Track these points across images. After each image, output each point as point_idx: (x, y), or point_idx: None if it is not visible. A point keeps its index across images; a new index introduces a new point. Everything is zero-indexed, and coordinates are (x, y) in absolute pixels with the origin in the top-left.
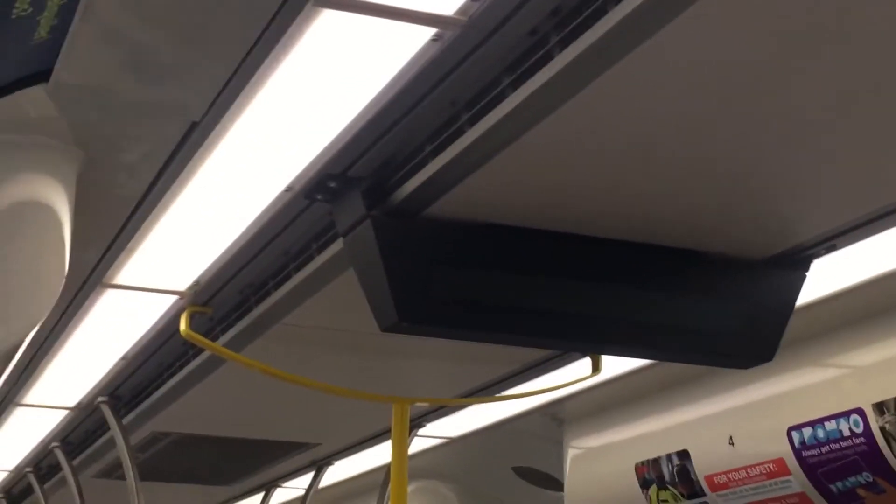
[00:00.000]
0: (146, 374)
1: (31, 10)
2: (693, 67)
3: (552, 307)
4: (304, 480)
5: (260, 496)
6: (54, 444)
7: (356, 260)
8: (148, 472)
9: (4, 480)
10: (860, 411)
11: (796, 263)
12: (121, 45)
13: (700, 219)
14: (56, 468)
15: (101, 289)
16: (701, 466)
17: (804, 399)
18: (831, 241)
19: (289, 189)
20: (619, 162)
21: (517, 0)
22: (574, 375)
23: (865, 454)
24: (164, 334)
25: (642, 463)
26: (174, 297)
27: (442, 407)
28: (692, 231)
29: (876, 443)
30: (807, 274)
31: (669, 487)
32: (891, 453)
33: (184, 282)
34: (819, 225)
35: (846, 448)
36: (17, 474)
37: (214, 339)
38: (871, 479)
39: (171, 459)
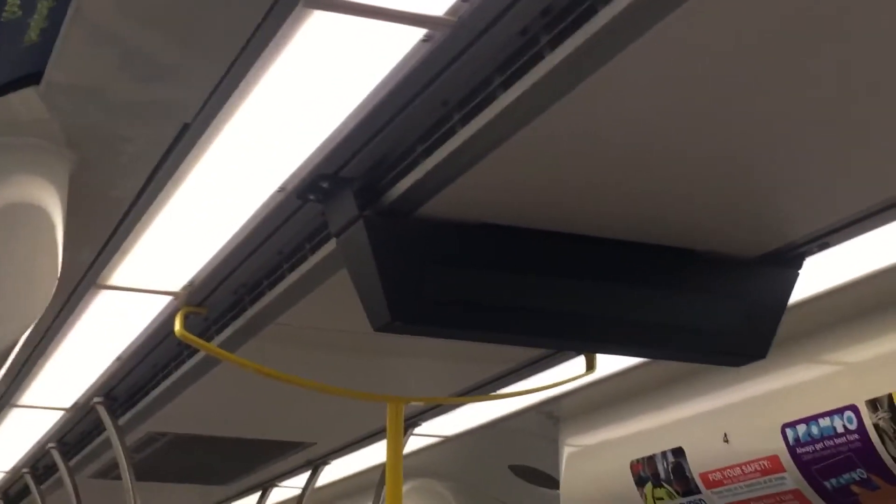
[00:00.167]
0: (141, 375)
1: (20, 13)
2: (683, 67)
3: (545, 306)
4: (300, 480)
5: (256, 496)
6: (51, 444)
7: (349, 260)
8: (144, 473)
9: (1, 481)
10: (854, 408)
11: (789, 261)
12: (112, 46)
13: (693, 217)
14: (52, 469)
15: (95, 290)
16: (696, 464)
17: (798, 396)
18: (824, 239)
19: (282, 189)
20: (611, 161)
21: (507, 0)
22: (569, 374)
23: (859, 451)
24: (159, 335)
25: (637, 460)
26: (168, 298)
27: (437, 406)
28: (685, 229)
29: (870, 439)
30: (800, 272)
31: (664, 485)
32: (885, 450)
33: (178, 282)
34: (812, 223)
35: (840, 445)
36: (14, 475)
37: (209, 339)
38: (865, 476)
39: (167, 459)
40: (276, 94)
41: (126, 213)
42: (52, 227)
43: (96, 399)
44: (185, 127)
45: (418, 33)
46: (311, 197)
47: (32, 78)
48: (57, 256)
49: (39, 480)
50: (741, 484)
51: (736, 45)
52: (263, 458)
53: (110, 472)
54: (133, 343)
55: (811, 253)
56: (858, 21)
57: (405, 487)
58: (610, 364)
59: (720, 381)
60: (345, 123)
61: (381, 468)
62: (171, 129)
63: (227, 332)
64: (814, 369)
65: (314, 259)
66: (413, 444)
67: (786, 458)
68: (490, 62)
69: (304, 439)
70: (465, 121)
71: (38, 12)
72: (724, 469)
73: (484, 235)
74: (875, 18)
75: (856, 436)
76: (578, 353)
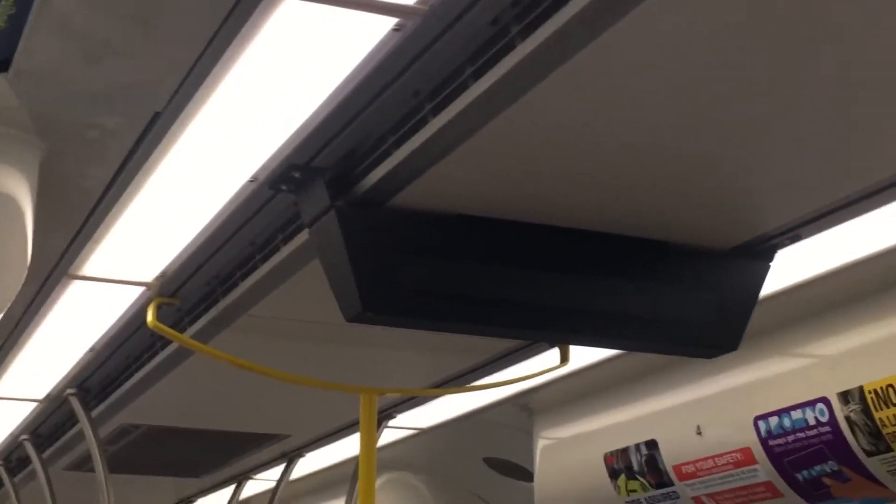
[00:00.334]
0: (114, 366)
1: None
2: (655, 58)
3: (517, 297)
4: (275, 473)
5: (231, 488)
6: (24, 436)
7: (321, 250)
8: (118, 465)
9: None
10: (825, 400)
11: (761, 253)
12: (80, 33)
13: (664, 208)
14: (26, 461)
15: (67, 280)
16: (669, 456)
17: (771, 389)
18: (795, 231)
19: (253, 179)
20: (584, 152)
21: None
22: (543, 366)
23: (831, 443)
24: (132, 326)
25: (611, 453)
26: (141, 289)
27: (412, 398)
28: (657, 221)
29: (841, 432)
30: (771, 264)
31: (638, 477)
32: (855, 442)
33: (150, 273)
34: (783, 215)
35: (812, 437)
36: None
37: (182, 330)
38: (836, 468)
39: (141, 452)
40: (248, 83)
41: (97, 203)
42: (21, 216)
43: (69, 390)
44: (157, 115)
45: (389, 22)
46: (283, 187)
47: (0, 65)
48: (26, 245)
49: (12, 473)
50: (714, 476)
51: (708, 35)
52: (238, 450)
53: (84, 464)
54: (106, 334)
55: (783, 245)
56: (833, 13)
57: (380, 480)
58: (584, 356)
59: (693, 374)
60: (316, 113)
61: (356, 461)
62: (142, 117)
63: (200, 323)
64: (786, 362)
65: (287, 250)
66: (388, 436)
67: (758, 451)
68: (461, 52)
69: (279, 431)
70: (437, 111)
71: None
72: (697, 461)
73: (457, 226)
74: (850, 10)
75: (827, 428)
76: (552, 345)
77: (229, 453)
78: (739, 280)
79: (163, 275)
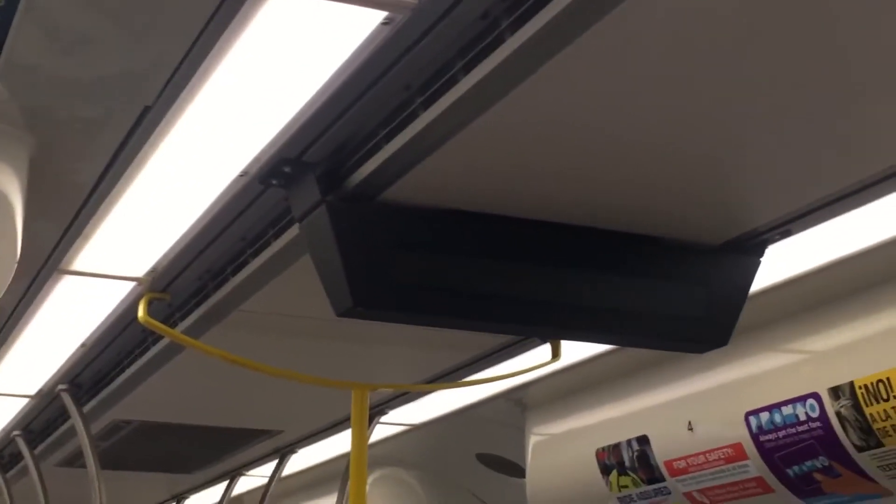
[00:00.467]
0: (106, 362)
1: None
2: (646, 51)
3: (508, 292)
4: (267, 469)
5: (224, 485)
6: (16, 432)
7: (312, 245)
8: (110, 461)
9: None
10: (816, 396)
11: (751, 249)
12: (68, 28)
13: (655, 204)
14: (18, 457)
15: (57, 275)
16: (660, 452)
17: (761, 384)
18: (786, 227)
19: (244, 174)
20: (574, 146)
21: None
22: (535, 361)
23: (821, 438)
24: (123, 321)
25: (603, 449)
26: (132, 284)
27: (404, 393)
28: (647, 216)
29: (832, 427)
30: (761, 259)
31: (629, 473)
32: (846, 437)
33: (141, 268)
34: (773, 210)
35: (802, 432)
36: None
37: (173, 325)
38: (827, 464)
39: (132, 448)
40: (237, 77)
41: (87, 198)
42: (10, 211)
43: (61, 386)
44: (146, 110)
45: (378, 16)
46: (274, 182)
47: None
48: (16, 240)
49: (4, 469)
50: (705, 471)
51: (699, 29)
52: (230, 446)
53: (76, 460)
54: (97, 329)
55: (773, 240)
56: (822, 11)
57: (372, 476)
58: (576, 352)
59: (684, 370)
60: (306, 107)
61: (349, 457)
62: (131, 112)
63: (192, 318)
64: (777, 357)
65: (277, 245)
66: (380, 432)
67: (749, 446)
68: (451, 46)
69: (271, 427)
70: (427, 105)
71: None
72: (689, 457)
73: (447, 221)
74: (840, 8)
75: (818, 423)
76: (543, 341)
77: (221, 449)
78: (730, 275)
79: (153, 270)
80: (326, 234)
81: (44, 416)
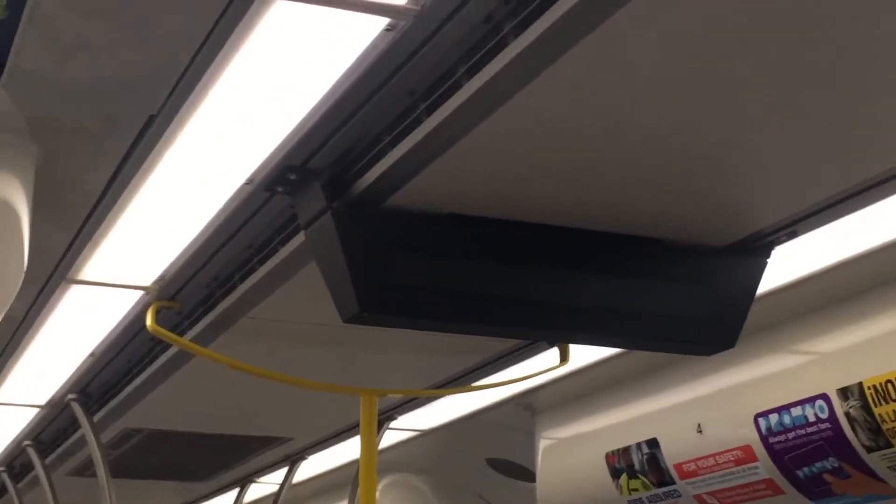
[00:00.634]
0: (115, 371)
1: None
2: (650, 53)
3: (514, 296)
4: (278, 475)
5: (235, 492)
6: (26, 442)
7: (318, 252)
8: (121, 470)
9: None
10: (825, 397)
11: (757, 250)
12: (73, 37)
13: (661, 206)
14: (29, 467)
15: (66, 285)
16: (670, 454)
17: (770, 386)
18: (791, 228)
19: (249, 182)
20: (579, 149)
21: None
22: (544, 365)
23: (831, 439)
24: (132, 330)
25: (613, 452)
26: (140, 293)
27: (413, 399)
28: (653, 218)
29: (841, 428)
30: (768, 260)
31: (639, 476)
32: (855, 438)
33: (149, 277)
34: (779, 211)
35: (812, 434)
36: None
37: (182, 333)
38: (836, 465)
39: (143, 456)
40: (241, 85)
41: (94, 208)
42: (17, 221)
43: (71, 396)
44: (151, 119)
45: (381, 22)
46: (279, 189)
47: None
48: (23, 250)
49: (16, 479)
50: (715, 474)
51: (702, 31)
52: (240, 453)
53: (87, 469)
54: (106, 338)
55: (779, 242)
56: (827, 10)
57: (383, 482)
58: (584, 356)
59: (693, 373)
60: (311, 114)
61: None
62: (136, 121)
63: (200, 326)
64: (785, 359)
65: (284, 252)
66: (390, 438)
67: (758, 448)
68: (454, 50)
69: (281, 434)
70: (431, 110)
71: None
72: (698, 459)
73: (453, 226)
74: (844, 7)
75: (827, 424)
76: (551, 345)
77: (232, 457)
78: (736, 277)
79: (161, 278)
80: (332, 241)
81: (54, 426)
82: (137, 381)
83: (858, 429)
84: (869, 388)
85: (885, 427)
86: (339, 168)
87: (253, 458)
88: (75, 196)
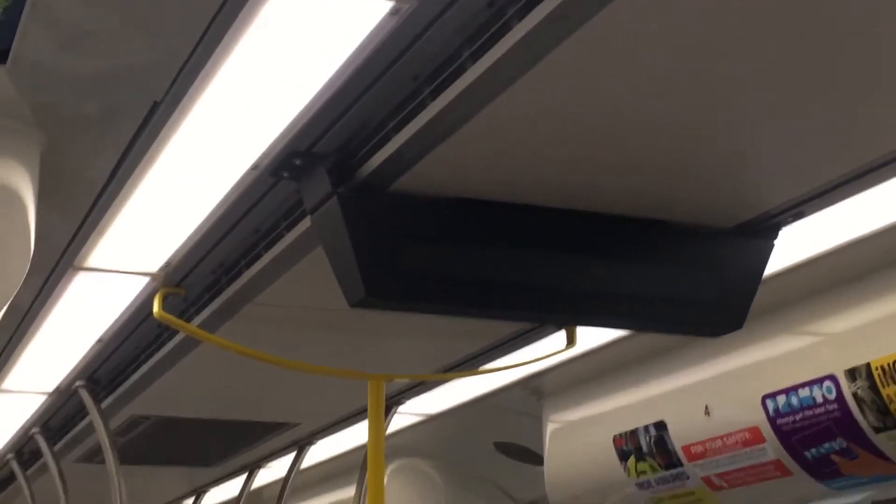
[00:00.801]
0: (123, 357)
1: None
2: (654, 34)
3: (521, 280)
4: (286, 461)
5: (243, 477)
6: (35, 430)
7: (324, 237)
8: (129, 456)
9: None
10: (833, 378)
11: (764, 231)
12: (77, 24)
13: (667, 188)
14: (37, 454)
15: (72, 272)
16: (678, 437)
17: (778, 367)
18: (798, 209)
19: (255, 167)
20: (584, 132)
21: None
22: (552, 349)
23: (838, 420)
24: (139, 316)
25: (620, 435)
26: (146, 279)
27: (420, 383)
28: (659, 200)
29: (849, 409)
30: (775, 242)
31: (647, 458)
32: (863, 419)
33: (155, 263)
34: (785, 192)
35: (819, 415)
36: (0, 461)
37: (188, 319)
38: (844, 445)
39: (151, 442)
40: (245, 70)
41: (100, 194)
42: (23, 209)
43: (78, 383)
44: (156, 105)
45: (385, 6)
46: (285, 174)
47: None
48: (29, 237)
49: (25, 466)
50: (723, 456)
51: (709, 11)
52: (248, 439)
53: (95, 456)
54: (113, 325)
55: (786, 223)
56: None
57: (391, 467)
58: (591, 338)
59: (701, 354)
60: (316, 99)
61: (366, 448)
62: (141, 107)
63: (206, 312)
64: (792, 340)
65: (290, 237)
66: (398, 422)
67: (766, 429)
68: (458, 35)
69: (288, 420)
70: (436, 94)
71: None
72: (706, 441)
73: (459, 210)
74: None
75: (835, 405)
76: (558, 328)
77: (239, 442)
78: (743, 258)
79: (167, 265)
80: (338, 226)
81: (62, 413)
82: (145, 368)
83: (866, 409)
84: (877, 369)
85: (892, 408)
86: (344, 153)
87: (261, 443)
88: (81, 183)
